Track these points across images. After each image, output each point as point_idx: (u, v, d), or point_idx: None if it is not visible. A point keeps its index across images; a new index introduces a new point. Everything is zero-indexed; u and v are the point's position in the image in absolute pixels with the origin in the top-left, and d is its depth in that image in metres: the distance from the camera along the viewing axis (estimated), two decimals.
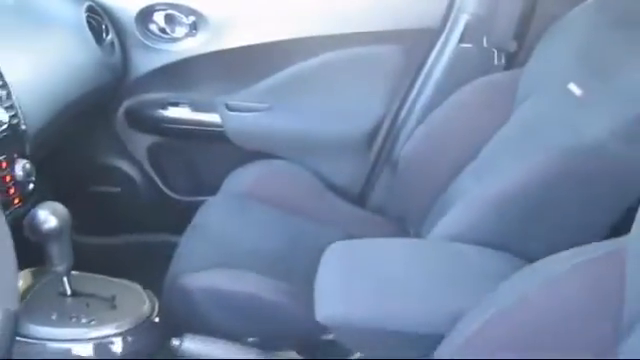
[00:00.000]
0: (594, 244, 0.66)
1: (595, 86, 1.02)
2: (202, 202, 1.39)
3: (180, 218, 1.32)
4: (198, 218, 1.30)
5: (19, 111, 1.00)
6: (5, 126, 0.94)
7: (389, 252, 0.89)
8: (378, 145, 1.53)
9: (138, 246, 1.67)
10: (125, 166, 1.63)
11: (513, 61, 1.38)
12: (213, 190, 1.44)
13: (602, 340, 0.62)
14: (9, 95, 0.99)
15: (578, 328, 0.64)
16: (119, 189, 1.64)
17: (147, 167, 1.64)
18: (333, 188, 1.51)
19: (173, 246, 1.21)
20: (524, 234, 0.88)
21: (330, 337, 1.03)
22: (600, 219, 0.88)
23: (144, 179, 1.65)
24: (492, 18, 1.35)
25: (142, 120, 1.58)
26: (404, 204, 1.39)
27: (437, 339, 0.73)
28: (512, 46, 1.34)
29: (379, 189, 1.54)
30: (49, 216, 0.86)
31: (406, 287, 0.79)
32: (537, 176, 0.91)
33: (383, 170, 1.53)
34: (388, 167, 1.52)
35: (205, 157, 1.64)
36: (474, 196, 0.98)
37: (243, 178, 1.44)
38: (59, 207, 0.87)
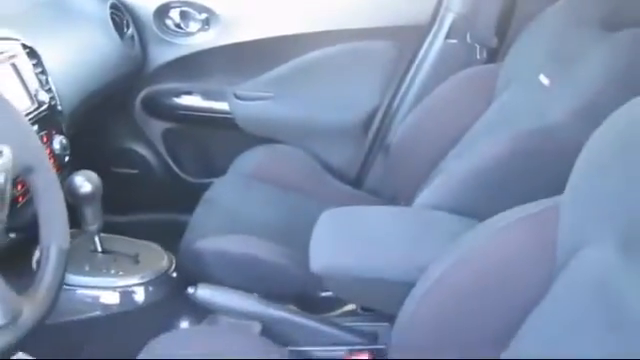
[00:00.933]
0: (535, 202, 0.79)
1: (559, 76, 1.14)
2: (211, 183, 1.51)
3: (192, 197, 1.44)
4: (209, 194, 1.43)
5: (56, 94, 1.15)
6: (45, 106, 1.09)
7: (373, 216, 1.03)
8: (373, 131, 1.64)
9: (153, 223, 1.80)
10: (142, 149, 1.76)
11: (494, 55, 1.49)
12: (222, 172, 1.56)
13: (540, 280, 0.75)
14: (48, 80, 1.13)
15: (521, 271, 0.77)
16: (137, 171, 1.76)
17: (162, 151, 1.77)
18: (331, 171, 1.62)
19: (185, 223, 1.33)
20: (490, 203, 1.01)
21: (325, 294, 1.17)
22: (556, 189, 1.01)
23: (159, 162, 1.77)
24: (475, 17, 1.46)
25: (158, 107, 1.71)
26: (396, 185, 1.50)
27: (410, 287, 0.87)
28: (493, 42, 1.46)
29: (374, 172, 1.65)
30: (84, 182, 1.00)
31: (385, 243, 0.94)
32: (503, 153, 1.04)
33: (378, 154, 1.64)
34: (382, 152, 1.62)
35: (215, 142, 1.76)
36: (449, 172, 1.12)
37: (249, 160, 1.55)
38: (93, 175, 1.02)
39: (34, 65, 1.09)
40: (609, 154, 0.71)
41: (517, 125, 1.16)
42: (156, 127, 1.74)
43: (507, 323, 0.77)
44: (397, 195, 1.50)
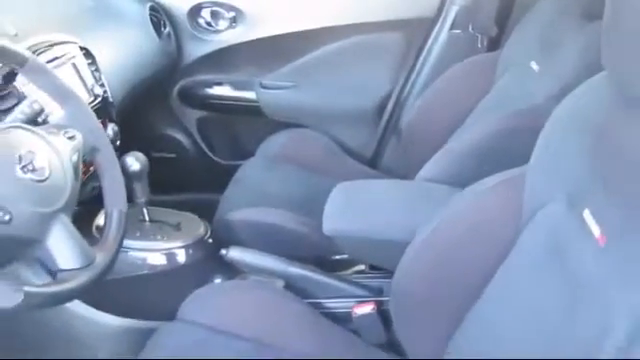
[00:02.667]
0: (508, 170, 0.94)
1: (546, 62, 1.28)
2: (241, 165, 1.65)
3: (223, 178, 1.59)
4: (239, 174, 1.60)
5: (107, 88, 1.33)
6: (100, 99, 1.27)
7: (378, 188, 1.20)
8: (386, 115, 1.78)
9: (189, 202, 1.97)
10: (179, 136, 1.92)
11: (495, 44, 1.63)
12: (250, 154, 1.70)
13: (510, 236, 0.88)
14: (100, 76, 1.32)
15: (494, 229, 0.91)
16: (174, 155, 1.93)
17: (196, 136, 1.93)
18: (349, 152, 1.77)
19: (217, 201, 1.48)
20: (479, 175, 1.16)
21: (338, 257, 1.34)
22: None
23: (194, 146, 1.94)
24: (477, 8, 1.60)
25: (192, 97, 1.88)
26: (408, 163, 1.62)
27: (406, 245, 1.03)
28: (493, 31, 1.60)
29: (388, 152, 1.80)
30: (134, 161, 1.19)
31: (386, 209, 1.10)
32: (492, 131, 1.19)
33: (391, 136, 1.79)
34: (395, 134, 1.77)
35: (243, 127, 1.92)
36: (446, 149, 1.27)
37: (274, 144, 1.70)
38: (140, 155, 1.21)
39: (89, 64, 1.27)
40: (564, 126, 0.85)
41: (508, 107, 1.30)
42: (191, 115, 1.91)
43: (484, 272, 0.90)
44: (408, 173, 1.62)
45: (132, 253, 1.22)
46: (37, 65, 0.88)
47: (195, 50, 1.82)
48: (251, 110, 1.84)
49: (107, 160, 0.94)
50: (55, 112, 0.99)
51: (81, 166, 0.90)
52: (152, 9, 1.70)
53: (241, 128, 1.93)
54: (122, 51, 1.52)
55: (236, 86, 1.85)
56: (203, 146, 1.95)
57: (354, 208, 1.13)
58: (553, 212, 0.82)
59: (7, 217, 0.73)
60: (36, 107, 0.96)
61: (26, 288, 0.71)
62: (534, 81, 1.29)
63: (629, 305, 0.60)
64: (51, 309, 1.15)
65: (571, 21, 1.27)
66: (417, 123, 1.60)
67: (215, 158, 1.96)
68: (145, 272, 1.24)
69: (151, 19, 1.68)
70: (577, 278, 0.71)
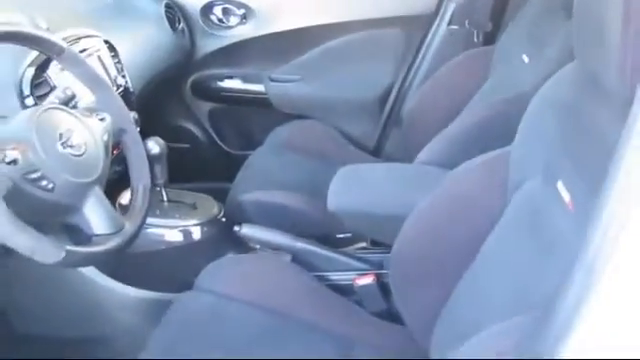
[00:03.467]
0: (493, 151, 1.04)
1: (535, 55, 1.37)
2: (250, 155, 1.73)
3: (233, 167, 1.68)
4: (249, 160, 1.70)
5: (128, 78, 1.44)
6: (122, 88, 1.38)
7: (377, 170, 1.30)
8: (388, 106, 1.88)
9: (201, 190, 2.08)
10: (191, 126, 2.02)
11: (490, 39, 1.72)
12: (259, 144, 1.79)
13: (496, 210, 0.97)
14: (122, 67, 1.42)
15: (482, 202, 1.01)
16: (188, 145, 2.01)
17: (208, 127, 2.03)
18: (352, 141, 1.86)
19: (228, 188, 1.57)
20: (470, 158, 1.25)
21: (341, 235, 1.44)
22: None
23: (206, 137, 2.04)
24: (473, 5, 1.70)
25: (204, 90, 1.98)
26: (408, 152, 1.72)
27: (402, 219, 1.13)
28: (488, 27, 1.69)
29: (390, 142, 1.89)
30: (154, 145, 1.29)
31: (385, 187, 1.21)
32: (481, 118, 1.29)
33: (393, 126, 1.88)
34: (397, 124, 1.86)
35: (252, 118, 2.01)
36: (441, 134, 1.37)
37: (281, 134, 1.79)
38: (160, 140, 1.31)
39: (112, 56, 1.38)
40: (541, 109, 0.94)
41: (500, 96, 1.40)
42: (203, 107, 2.01)
43: (474, 243, 0.99)
44: (409, 159, 1.72)
45: (152, 230, 1.33)
46: (73, 55, 0.98)
47: (207, 45, 1.92)
48: (260, 102, 1.94)
49: (133, 140, 1.05)
50: (84, 98, 1.10)
51: (111, 145, 1.00)
52: (167, 6, 1.81)
53: (250, 119, 2.02)
54: (139, 45, 1.62)
55: (246, 79, 1.95)
56: (214, 136, 2.05)
57: (356, 186, 1.24)
58: (532, 185, 0.91)
59: (50, 185, 0.84)
60: (69, 93, 1.07)
61: (67, 247, 0.82)
62: (524, 72, 1.38)
63: (587, 260, 0.70)
64: (76, 280, 1.27)
65: (555, 18, 1.36)
66: (417, 111, 1.70)
67: (226, 148, 2.06)
68: (163, 247, 1.34)
69: (166, 15, 1.79)
70: (550, 239, 0.81)
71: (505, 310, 0.86)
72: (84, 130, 0.93)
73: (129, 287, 1.34)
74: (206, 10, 1.89)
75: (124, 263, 1.32)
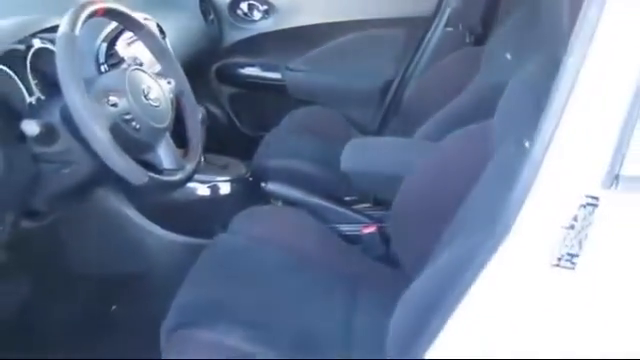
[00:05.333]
0: (478, 124, 1.30)
1: (516, 53, 1.64)
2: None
3: (250, 147, 1.88)
4: (267, 137, 1.95)
5: None
6: None
7: (383, 141, 1.57)
8: (390, 97, 2.11)
9: None
10: (214, 109, 2.22)
11: (481, 40, 1.96)
12: (273, 127, 1.98)
13: (479, 164, 1.22)
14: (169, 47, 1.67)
15: (468, 161, 1.26)
16: (208, 125, 2.29)
17: (229, 110, 2.26)
18: (357, 126, 2.07)
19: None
20: None
21: (348, 198, 1.70)
22: None
23: (227, 119, 2.27)
24: (466, 10, 1.96)
25: (227, 76, 2.21)
26: (406, 135, 1.98)
27: (401, 179, 1.38)
28: (478, 30, 1.96)
29: (390, 128, 2.10)
30: (200, 110, 1.54)
31: (389, 153, 1.47)
32: (467, 101, 1.55)
33: (393, 115, 2.11)
34: (396, 113, 2.09)
35: (268, 103, 2.23)
36: (433, 117, 1.63)
37: (294, 118, 2.01)
38: (202, 108, 1.56)
39: (163, 38, 1.63)
40: (515, 88, 1.20)
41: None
42: (225, 91, 2.24)
43: (458, 198, 1.24)
44: None
45: (189, 184, 1.57)
46: (149, 31, 1.24)
47: (233, 36, 2.17)
48: (276, 89, 2.18)
49: (189, 100, 1.31)
50: (151, 67, 1.36)
51: (174, 103, 1.26)
52: (201, 0, 2.06)
53: (266, 104, 2.25)
54: (178, 31, 1.86)
55: (265, 68, 2.19)
56: (234, 119, 2.29)
57: (365, 152, 1.51)
58: (507, 146, 1.16)
59: (138, 126, 1.09)
60: (138, 62, 1.32)
61: (149, 174, 1.07)
62: (506, 67, 1.64)
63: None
64: (125, 226, 1.51)
65: (534, 22, 1.62)
66: (415, 100, 1.95)
67: (242, 130, 2.29)
68: (198, 199, 1.59)
69: (200, 8, 2.04)
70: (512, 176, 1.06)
71: (470, 228, 1.07)
72: (158, 88, 1.19)
73: (170, 233, 1.58)
74: (233, 5, 2.14)
75: (166, 211, 1.57)
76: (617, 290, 0.68)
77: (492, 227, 0.76)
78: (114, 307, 1.53)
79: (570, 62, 0.64)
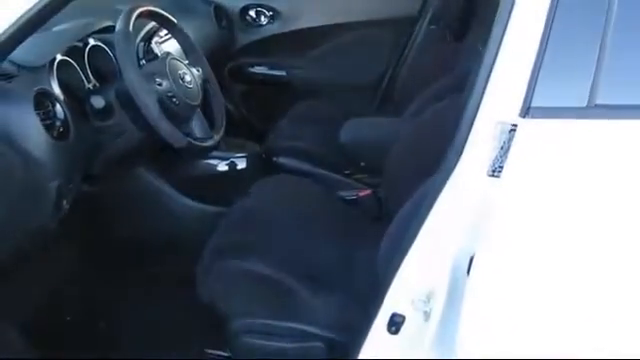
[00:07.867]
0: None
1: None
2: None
3: (262, 138, 2.14)
4: (275, 125, 2.24)
5: None
6: None
7: (377, 120, 1.85)
8: (381, 91, 2.40)
9: None
10: (228, 105, 2.34)
11: (461, 37, 2.24)
12: (278, 119, 2.22)
13: (453, 130, 1.53)
14: None
15: (444, 127, 1.56)
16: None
17: (240, 105, 2.54)
18: (353, 117, 2.33)
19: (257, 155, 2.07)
20: None
21: (347, 171, 1.97)
22: None
23: (238, 113, 2.54)
24: (446, 10, 2.25)
25: (239, 74, 2.49)
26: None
27: (391, 144, 1.66)
28: (455, 27, 2.24)
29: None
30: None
31: (378, 127, 1.76)
32: (445, 83, 1.84)
33: (385, 105, 2.39)
34: (389, 103, 2.38)
35: (276, 98, 2.49)
36: (416, 99, 1.92)
37: (299, 109, 2.26)
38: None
39: None
40: None
41: None
42: (237, 88, 2.51)
43: (437, 156, 1.54)
44: None
45: (211, 161, 1.85)
46: (179, 28, 1.54)
47: (243, 39, 2.46)
48: (282, 85, 2.46)
49: (214, 87, 1.60)
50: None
51: (202, 88, 1.55)
52: (216, 7, 2.36)
53: (274, 98, 2.50)
54: (194, 35, 2.13)
55: (272, 67, 2.48)
56: (245, 113, 2.56)
57: (361, 126, 1.80)
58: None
59: (177, 102, 1.38)
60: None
61: (188, 139, 1.36)
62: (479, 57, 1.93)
63: None
64: (160, 194, 1.79)
65: None
66: (403, 93, 2.23)
67: (253, 122, 2.55)
68: (219, 174, 1.87)
69: (215, 15, 2.34)
70: None
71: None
72: (190, 74, 1.48)
73: (197, 203, 1.85)
74: (243, 11, 2.43)
75: (193, 185, 1.85)
76: (531, 191, 0.95)
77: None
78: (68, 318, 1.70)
79: (495, 31, 0.93)
